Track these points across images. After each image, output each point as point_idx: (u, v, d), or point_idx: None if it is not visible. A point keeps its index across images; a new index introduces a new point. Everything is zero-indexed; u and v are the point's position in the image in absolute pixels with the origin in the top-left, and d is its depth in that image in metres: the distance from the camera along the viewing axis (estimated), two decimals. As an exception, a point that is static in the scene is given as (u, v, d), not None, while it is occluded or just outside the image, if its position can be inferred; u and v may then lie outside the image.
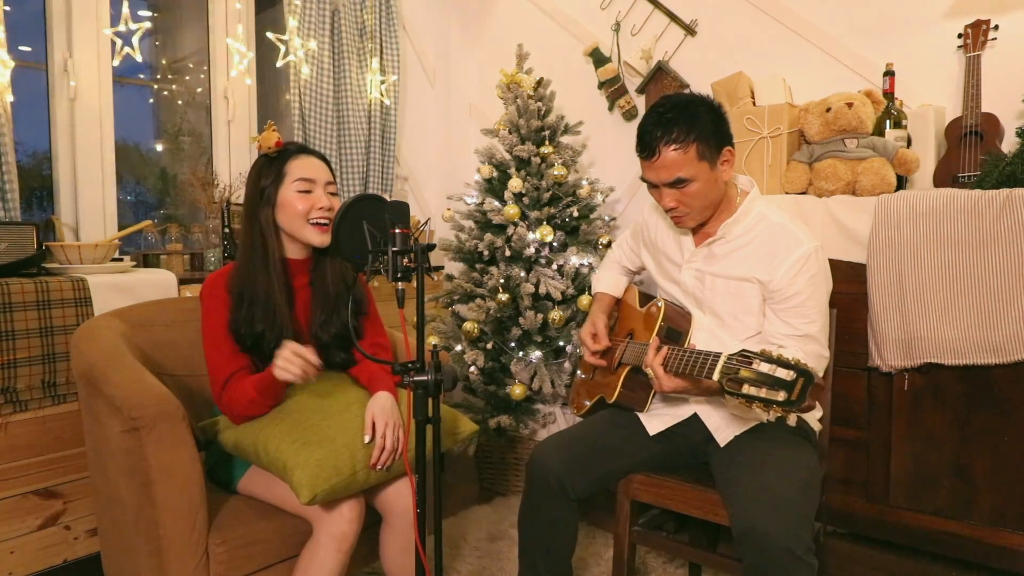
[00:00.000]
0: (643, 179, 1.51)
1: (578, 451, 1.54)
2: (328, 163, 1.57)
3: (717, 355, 1.26)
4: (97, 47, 2.31)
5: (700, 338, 1.55)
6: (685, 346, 1.50)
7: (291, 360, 1.31)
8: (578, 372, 1.84)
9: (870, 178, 1.99)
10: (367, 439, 1.37)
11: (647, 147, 1.44)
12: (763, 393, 1.15)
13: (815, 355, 1.46)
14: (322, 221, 1.50)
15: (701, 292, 1.58)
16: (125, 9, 2.24)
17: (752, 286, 1.50)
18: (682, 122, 1.41)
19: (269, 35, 2.68)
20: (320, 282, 1.56)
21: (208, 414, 1.62)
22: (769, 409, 1.16)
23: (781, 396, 1.14)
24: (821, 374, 1.54)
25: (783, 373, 1.14)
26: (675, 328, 1.56)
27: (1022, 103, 2.03)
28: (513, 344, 2.48)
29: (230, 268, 1.51)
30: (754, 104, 2.36)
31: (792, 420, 1.49)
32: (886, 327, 1.92)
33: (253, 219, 1.50)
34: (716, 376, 1.24)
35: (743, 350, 1.22)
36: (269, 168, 1.50)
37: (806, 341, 1.45)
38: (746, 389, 1.18)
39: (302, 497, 1.28)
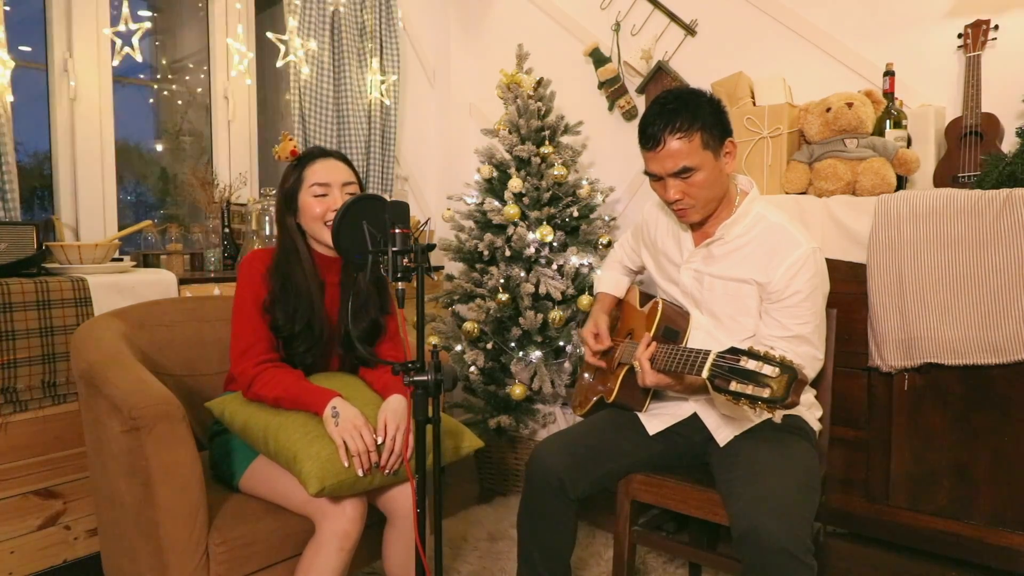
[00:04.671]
0: (647, 172, 1.51)
1: (578, 451, 1.54)
2: (349, 163, 1.61)
3: (707, 353, 1.27)
4: (97, 47, 2.31)
5: (698, 338, 1.55)
6: (682, 345, 1.50)
7: (354, 437, 1.35)
8: (584, 375, 1.83)
9: (870, 178, 1.99)
10: (379, 440, 1.38)
11: (651, 138, 1.45)
12: (749, 390, 1.16)
13: (808, 357, 1.46)
14: None
15: (699, 293, 1.58)
16: (125, 9, 2.24)
17: (750, 287, 1.50)
18: (686, 112, 1.42)
19: (269, 35, 2.68)
20: (352, 280, 1.61)
21: (208, 414, 1.62)
22: (755, 406, 1.16)
23: (766, 393, 1.14)
24: (814, 376, 1.53)
25: (768, 370, 1.15)
26: (673, 327, 1.56)
27: (1022, 103, 2.03)
28: (513, 344, 2.48)
29: (272, 251, 1.57)
30: (754, 104, 2.36)
31: (778, 417, 1.49)
32: (886, 327, 1.92)
33: (282, 224, 1.58)
34: (705, 373, 1.25)
35: (732, 348, 1.23)
36: (290, 176, 1.57)
37: (798, 342, 1.45)
38: (733, 386, 1.18)
39: (310, 488, 1.28)
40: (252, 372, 1.45)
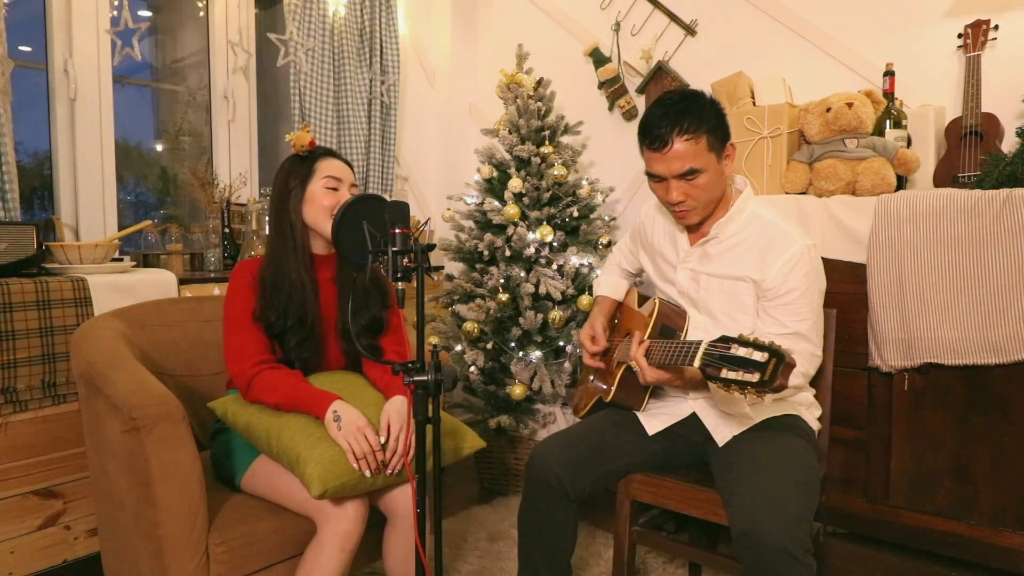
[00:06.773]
0: (648, 173, 1.50)
1: (578, 451, 1.54)
2: (352, 168, 1.65)
3: (698, 343, 1.27)
4: (97, 47, 2.31)
5: (695, 336, 1.54)
6: (675, 340, 1.50)
7: (359, 440, 1.35)
8: (587, 377, 1.83)
9: (870, 178, 1.99)
10: (382, 439, 1.38)
11: (658, 139, 1.43)
12: (739, 376, 1.17)
13: (807, 354, 1.47)
14: None
15: (696, 292, 1.58)
16: (125, 9, 2.24)
17: (746, 285, 1.50)
18: (692, 113, 1.42)
19: (269, 35, 2.68)
20: (348, 277, 1.62)
21: (208, 414, 1.62)
22: (745, 391, 1.17)
23: (755, 377, 1.15)
24: (813, 373, 1.54)
25: (758, 355, 1.16)
26: (670, 326, 1.56)
27: (1022, 103, 2.03)
28: (513, 344, 2.48)
29: (261, 260, 1.58)
30: (754, 104, 2.36)
31: (767, 402, 1.48)
32: (886, 327, 1.92)
33: (282, 212, 1.57)
34: (697, 363, 1.25)
35: (722, 336, 1.23)
36: (299, 167, 1.58)
37: (796, 339, 1.45)
38: (724, 373, 1.19)
39: (313, 490, 1.29)
40: (250, 373, 1.45)
